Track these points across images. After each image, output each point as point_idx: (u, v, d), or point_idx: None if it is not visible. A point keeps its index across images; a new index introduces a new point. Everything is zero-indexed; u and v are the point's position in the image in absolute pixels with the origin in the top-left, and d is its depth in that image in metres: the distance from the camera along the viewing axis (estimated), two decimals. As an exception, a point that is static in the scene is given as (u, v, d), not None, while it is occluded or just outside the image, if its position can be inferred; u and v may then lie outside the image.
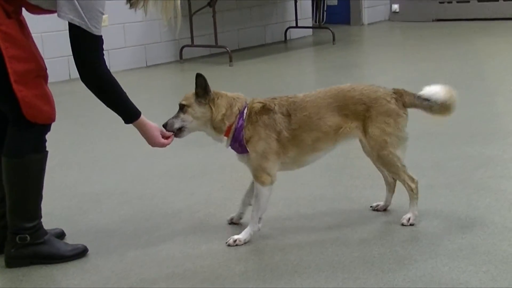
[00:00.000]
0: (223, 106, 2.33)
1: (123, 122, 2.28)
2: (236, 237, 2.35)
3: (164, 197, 2.92)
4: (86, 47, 2.12)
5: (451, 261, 2.11)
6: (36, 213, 2.27)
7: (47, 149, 2.25)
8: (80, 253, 2.32)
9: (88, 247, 2.35)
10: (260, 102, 2.36)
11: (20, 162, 2.19)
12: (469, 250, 2.18)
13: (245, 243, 2.34)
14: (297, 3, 7.78)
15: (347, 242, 2.31)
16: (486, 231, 2.33)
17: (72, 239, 2.44)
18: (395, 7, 9.15)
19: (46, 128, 2.23)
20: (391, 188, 2.55)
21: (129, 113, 2.25)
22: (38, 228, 2.27)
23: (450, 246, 2.22)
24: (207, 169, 3.28)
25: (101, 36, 2.13)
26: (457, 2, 8.58)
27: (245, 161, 2.38)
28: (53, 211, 2.71)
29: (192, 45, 6.62)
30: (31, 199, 2.25)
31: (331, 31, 7.44)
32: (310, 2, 8.27)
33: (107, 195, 2.98)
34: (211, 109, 2.33)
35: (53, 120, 2.23)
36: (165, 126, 2.37)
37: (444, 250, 2.20)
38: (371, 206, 2.60)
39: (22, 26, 2.18)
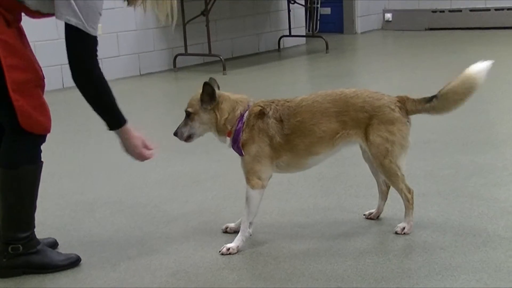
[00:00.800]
0: (226, 110, 2.36)
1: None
2: (229, 245, 2.35)
3: (157, 205, 2.91)
4: (81, 47, 2.11)
5: (443, 270, 2.12)
6: (29, 224, 2.26)
7: (42, 159, 2.25)
8: (73, 262, 2.31)
9: (81, 256, 2.34)
10: (259, 106, 2.37)
11: (14, 173, 2.18)
12: (462, 259, 2.19)
13: (238, 251, 2.34)
14: (291, 12, 7.81)
15: (341, 251, 2.31)
16: (479, 239, 2.34)
17: (64, 249, 2.43)
18: (388, 16, 9.21)
19: (42, 138, 2.22)
20: (383, 196, 2.56)
21: (117, 119, 2.22)
22: (31, 238, 2.26)
23: (443, 255, 2.23)
24: (200, 178, 3.27)
25: (96, 37, 2.13)
26: (449, 11, 8.66)
27: (240, 163, 2.39)
28: (46, 221, 2.70)
29: (185, 53, 6.63)
30: (25, 209, 2.24)
31: (324, 39, 7.48)
32: (303, 11, 8.31)
33: (100, 204, 2.97)
34: (216, 114, 2.35)
35: (49, 131, 2.22)
36: (175, 134, 2.41)
37: (437, 259, 2.20)
38: (364, 215, 2.61)
39: (21, 35, 2.18)
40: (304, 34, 8.37)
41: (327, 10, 9.19)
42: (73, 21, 2.06)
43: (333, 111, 2.35)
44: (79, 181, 3.35)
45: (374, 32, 9.10)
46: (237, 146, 2.35)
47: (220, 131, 2.38)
